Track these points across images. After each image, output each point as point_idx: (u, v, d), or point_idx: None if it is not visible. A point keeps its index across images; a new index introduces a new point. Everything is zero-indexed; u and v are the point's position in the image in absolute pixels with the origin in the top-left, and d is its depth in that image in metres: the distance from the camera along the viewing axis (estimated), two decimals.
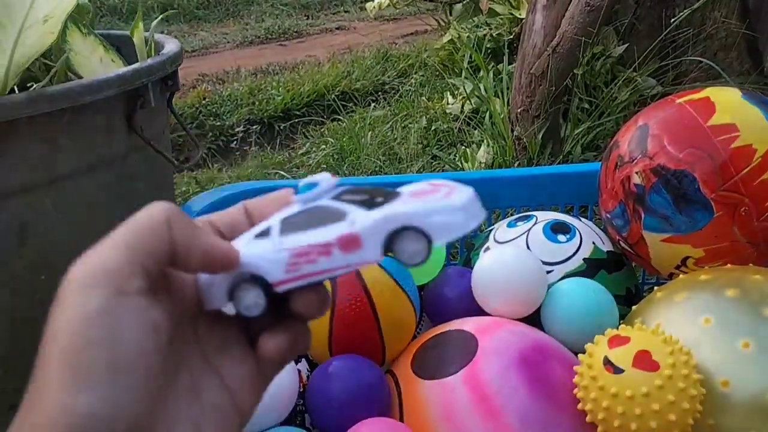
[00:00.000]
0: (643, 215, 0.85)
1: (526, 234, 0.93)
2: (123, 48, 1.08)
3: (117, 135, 0.87)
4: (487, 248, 0.95)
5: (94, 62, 0.93)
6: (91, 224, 0.87)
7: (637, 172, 0.85)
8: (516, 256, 0.85)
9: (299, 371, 0.76)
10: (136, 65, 0.87)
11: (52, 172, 0.81)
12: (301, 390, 0.74)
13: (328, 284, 0.78)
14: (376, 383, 0.73)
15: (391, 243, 0.30)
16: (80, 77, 0.91)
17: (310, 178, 0.33)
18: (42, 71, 1.01)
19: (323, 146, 2.15)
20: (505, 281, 0.82)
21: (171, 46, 1.00)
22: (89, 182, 0.85)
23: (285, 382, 0.70)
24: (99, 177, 0.87)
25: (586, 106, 1.83)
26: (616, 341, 0.67)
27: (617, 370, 0.64)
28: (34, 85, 0.94)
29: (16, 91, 0.80)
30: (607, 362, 0.65)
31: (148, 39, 1.02)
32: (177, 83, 0.97)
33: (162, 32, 1.16)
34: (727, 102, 0.84)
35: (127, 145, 0.90)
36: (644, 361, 0.64)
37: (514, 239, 0.93)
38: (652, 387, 0.63)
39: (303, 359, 0.80)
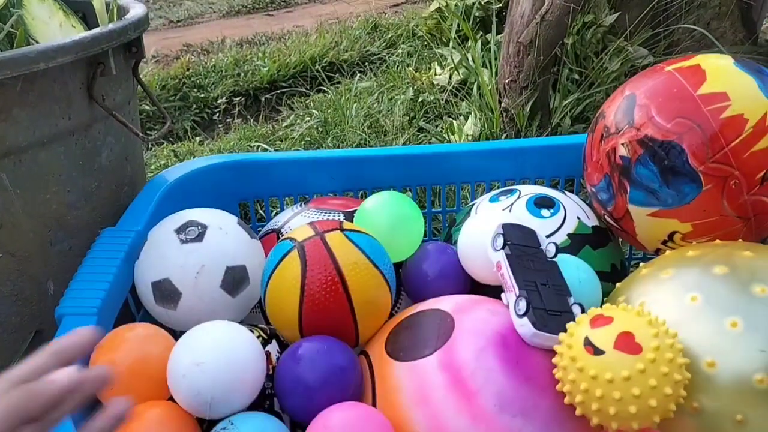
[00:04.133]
0: (629, 188, 0.82)
1: (508, 209, 0.90)
2: (87, 15, 1.02)
3: (76, 105, 0.82)
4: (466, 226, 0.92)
5: (53, 28, 0.88)
6: (53, 201, 0.83)
7: (623, 144, 0.81)
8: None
9: (268, 353, 0.72)
10: (95, 30, 0.82)
11: (6, 145, 0.76)
12: (270, 373, 0.71)
13: (297, 261, 0.75)
14: (349, 366, 0.70)
15: None
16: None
17: None
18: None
19: (308, 118, 2.10)
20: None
21: (136, 10, 0.94)
22: (48, 155, 0.81)
23: (249, 367, 0.66)
24: (58, 149, 0.82)
25: (576, 76, 1.78)
26: (599, 321, 0.63)
27: (597, 352, 0.61)
28: None
29: None
30: (588, 343, 0.62)
31: (110, 3, 0.96)
32: (142, 50, 0.92)
33: (147, 0, 1.10)
34: (719, 70, 0.80)
35: (89, 116, 0.85)
36: (626, 343, 0.61)
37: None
38: (634, 370, 0.59)
39: (273, 340, 0.76)
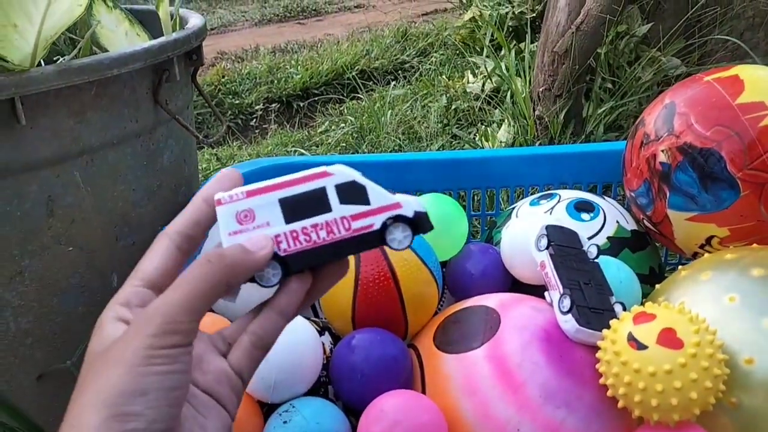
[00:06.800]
0: (668, 194, 0.85)
1: (549, 212, 0.93)
2: (146, 23, 1.08)
3: (143, 108, 0.88)
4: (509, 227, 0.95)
5: (119, 36, 0.94)
6: (120, 198, 0.88)
7: (663, 150, 0.84)
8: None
9: (323, 344, 0.77)
10: (162, 39, 0.88)
11: (81, 145, 0.82)
12: (325, 362, 0.75)
13: (351, 259, 0.79)
14: (400, 356, 0.73)
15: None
16: (105, 51, 0.92)
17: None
18: (67, 45, 1.02)
19: (342, 125, 2.15)
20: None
21: (195, 20, 1.00)
22: (116, 155, 0.86)
23: (309, 354, 0.71)
24: (126, 150, 0.87)
25: (609, 86, 1.81)
26: (642, 318, 0.67)
27: (641, 347, 0.64)
28: (61, 59, 0.95)
29: (43, 65, 0.81)
30: (632, 338, 0.65)
31: (173, 13, 1.02)
32: (201, 58, 0.98)
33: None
34: (757, 80, 0.83)
35: (154, 119, 0.90)
36: (669, 338, 0.64)
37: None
38: (675, 364, 0.63)
39: (326, 332, 0.81)
